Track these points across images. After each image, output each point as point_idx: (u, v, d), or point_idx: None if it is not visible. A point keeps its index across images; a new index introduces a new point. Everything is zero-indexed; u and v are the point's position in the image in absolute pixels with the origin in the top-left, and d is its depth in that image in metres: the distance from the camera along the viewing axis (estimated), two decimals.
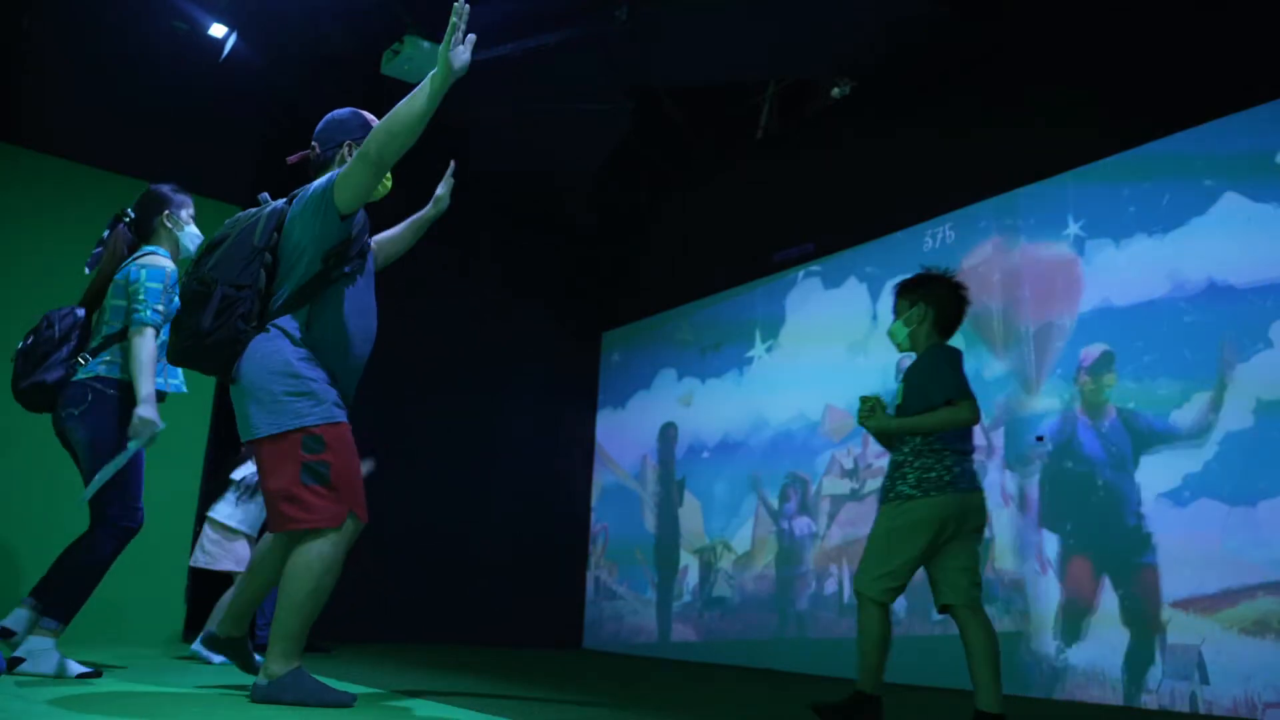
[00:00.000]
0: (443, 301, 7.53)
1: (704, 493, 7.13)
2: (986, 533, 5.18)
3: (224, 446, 3.63)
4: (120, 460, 3.14)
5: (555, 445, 8.26)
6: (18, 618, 3.15)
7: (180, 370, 3.45)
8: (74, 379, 3.23)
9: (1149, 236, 4.77)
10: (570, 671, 5.24)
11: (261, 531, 4.53)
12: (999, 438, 5.25)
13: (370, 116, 3.03)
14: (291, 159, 3.01)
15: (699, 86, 7.24)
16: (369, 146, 2.63)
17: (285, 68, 6.29)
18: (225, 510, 4.76)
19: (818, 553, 6.14)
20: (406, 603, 6.89)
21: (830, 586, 5.98)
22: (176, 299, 3.29)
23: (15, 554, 5.21)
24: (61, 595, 3.09)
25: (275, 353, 2.67)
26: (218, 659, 4.20)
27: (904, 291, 3.11)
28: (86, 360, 3.25)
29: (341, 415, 2.74)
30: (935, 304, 3.02)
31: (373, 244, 3.10)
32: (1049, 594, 4.82)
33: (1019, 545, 5.02)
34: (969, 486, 2.83)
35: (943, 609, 2.85)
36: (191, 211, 3.55)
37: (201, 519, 5.95)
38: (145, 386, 3.15)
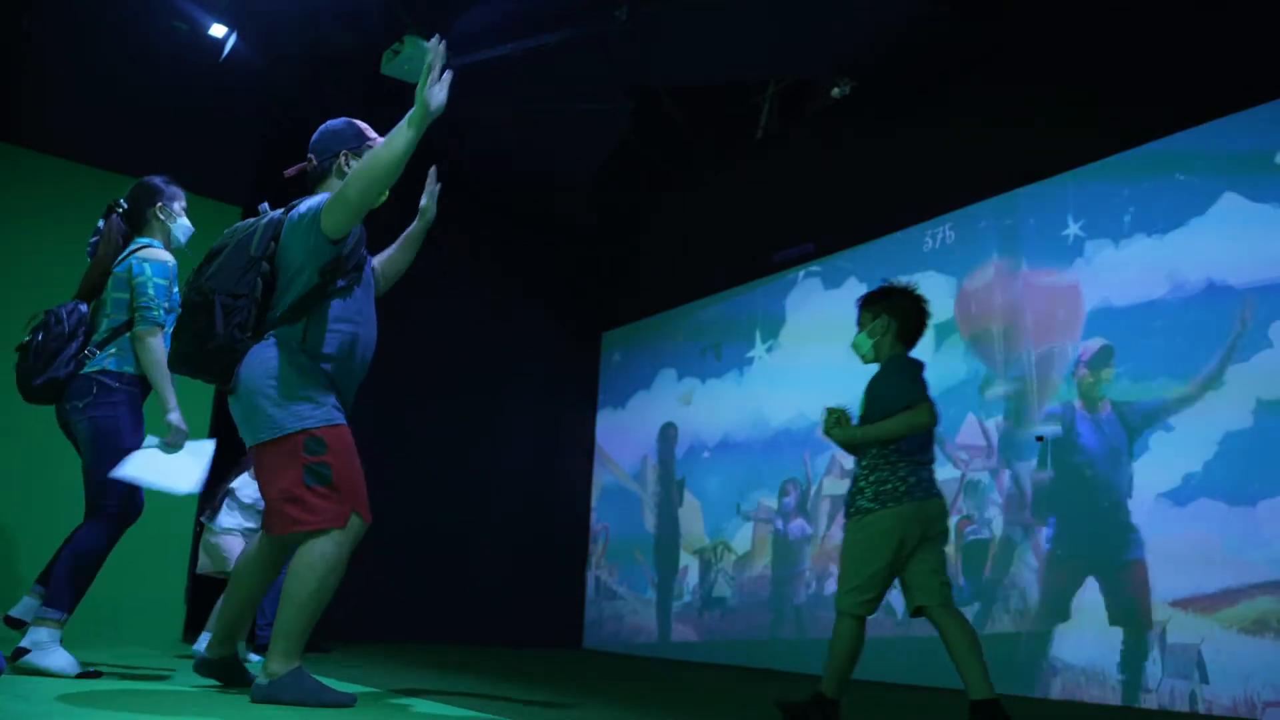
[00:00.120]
0: (443, 302, 7.53)
1: (704, 493, 7.13)
2: (986, 533, 5.19)
3: (223, 451, 3.62)
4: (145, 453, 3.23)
5: (555, 445, 8.26)
6: (26, 607, 3.20)
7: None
8: (81, 372, 3.26)
9: (1148, 236, 4.77)
10: (570, 671, 5.24)
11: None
12: (999, 438, 5.26)
13: (364, 126, 3.05)
14: (289, 172, 3.04)
15: (699, 86, 7.24)
16: (349, 190, 2.67)
17: (285, 68, 6.29)
18: (226, 521, 4.74)
19: (817, 553, 6.14)
20: (406, 603, 6.89)
21: (830, 586, 5.98)
22: (178, 291, 3.35)
23: (16, 545, 5.22)
24: (62, 585, 3.12)
25: (274, 359, 2.70)
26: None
27: (867, 304, 3.19)
28: (94, 354, 3.28)
29: (341, 418, 2.76)
30: (898, 316, 3.10)
31: (374, 264, 3.12)
32: (1048, 593, 4.82)
33: (1019, 545, 5.02)
34: (925, 494, 2.90)
35: (916, 612, 2.93)
36: (183, 204, 3.58)
37: (199, 523, 5.96)
38: (167, 391, 3.25)
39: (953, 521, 5.36)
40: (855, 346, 3.17)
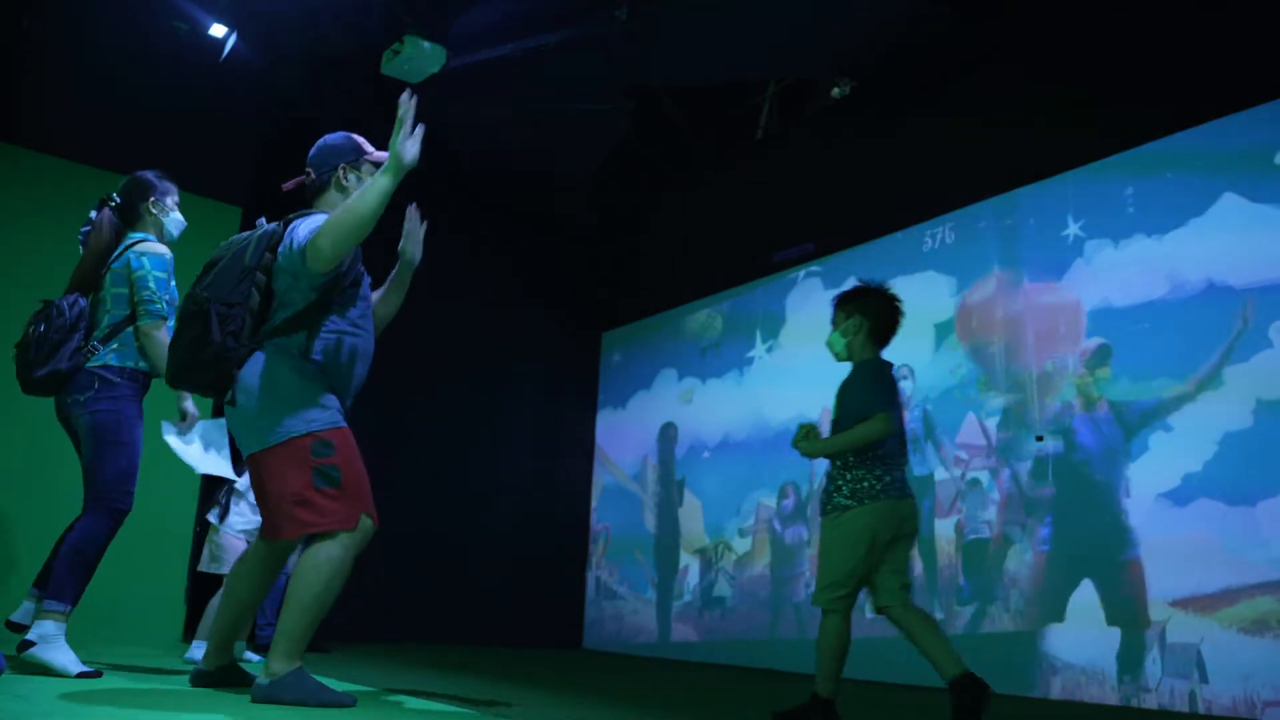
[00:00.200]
0: (443, 301, 7.52)
1: (704, 493, 7.13)
2: (986, 532, 5.19)
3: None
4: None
5: (555, 445, 8.26)
6: (26, 611, 3.21)
7: None
8: (85, 366, 3.29)
9: (1148, 237, 4.77)
10: (570, 671, 5.24)
11: None
12: (998, 438, 5.26)
13: (362, 140, 3.06)
14: (287, 186, 3.05)
15: (699, 86, 7.24)
16: (322, 241, 2.67)
17: (285, 68, 6.29)
18: (237, 522, 4.72)
19: (817, 553, 6.13)
20: (406, 603, 6.89)
21: None
22: (174, 285, 3.40)
23: (14, 540, 5.22)
24: (64, 577, 3.14)
25: (276, 366, 2.72)
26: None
27: (841, 304, 3.26)
28: (96, 349, 3.30)
29: (344, 421, 2.79)
30: (871, 316, 3.16)
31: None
32: (1048, 593, 4.82)
33: (1018, 544, 5.02)
34: (899, 494, 2.97)
35: (879, 610, 3.01)
36: (175, 198, 3.62)
37: (201, 522, 5.95)
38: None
39: (953, 521, 5.37)
40: (829, 345, 3.27)
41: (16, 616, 3.23)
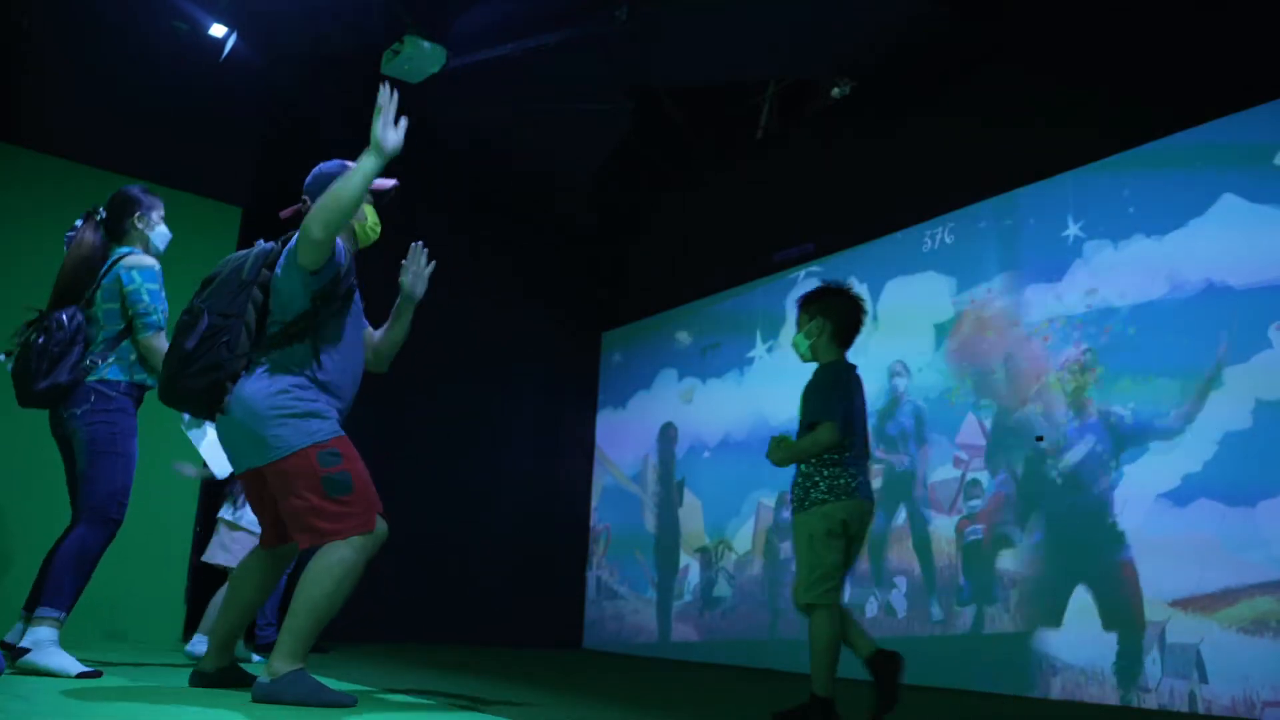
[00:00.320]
0: (443, 301, 7.48)
1: (704, 492, 7.13)
2: (988, 533, 5.19)
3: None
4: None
5: (555, 445, 8.26)
6: (19, 632, 3.20)
7: None
8: (85, 380, 3.32)
9: (1148, 237, 4.77)
10: (570, 671, 5.24)
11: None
12: (998, 438, 5.26)
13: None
14: (284, 214, 3.07)
15: (699, 86, 7.24)
16: (311, 227, 2.73)
17: (285, 68, 6.29)
18: (250, 517, 4.71)
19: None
20: (406, 603, 6.89)
21: None
22: (164, 296, 3.45)
23: (8, 555, 5.22)
24: (59, 585, 3.15)
25: (274, 381, 2.73)
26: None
27: (804, 305, 3.30)
28: (95, 364, 3.34)
29: (342, 430, 2.80)
30: (833, 317, 3.22)
31: (370, 336, 3.19)
32: (1047, 593, 4.82)
33: (1018, 545, 5.02)
34: (866, 495, 3.07)
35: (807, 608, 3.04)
36: (161, 213, 3.65)
37: (201, 521, 5.95)
38: None
39: (953, 521, 5.37)
40: (794, 347, 3.31)
41: (10, 638, 3.23)
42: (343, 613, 2.72)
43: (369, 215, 3.09)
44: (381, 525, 2.75)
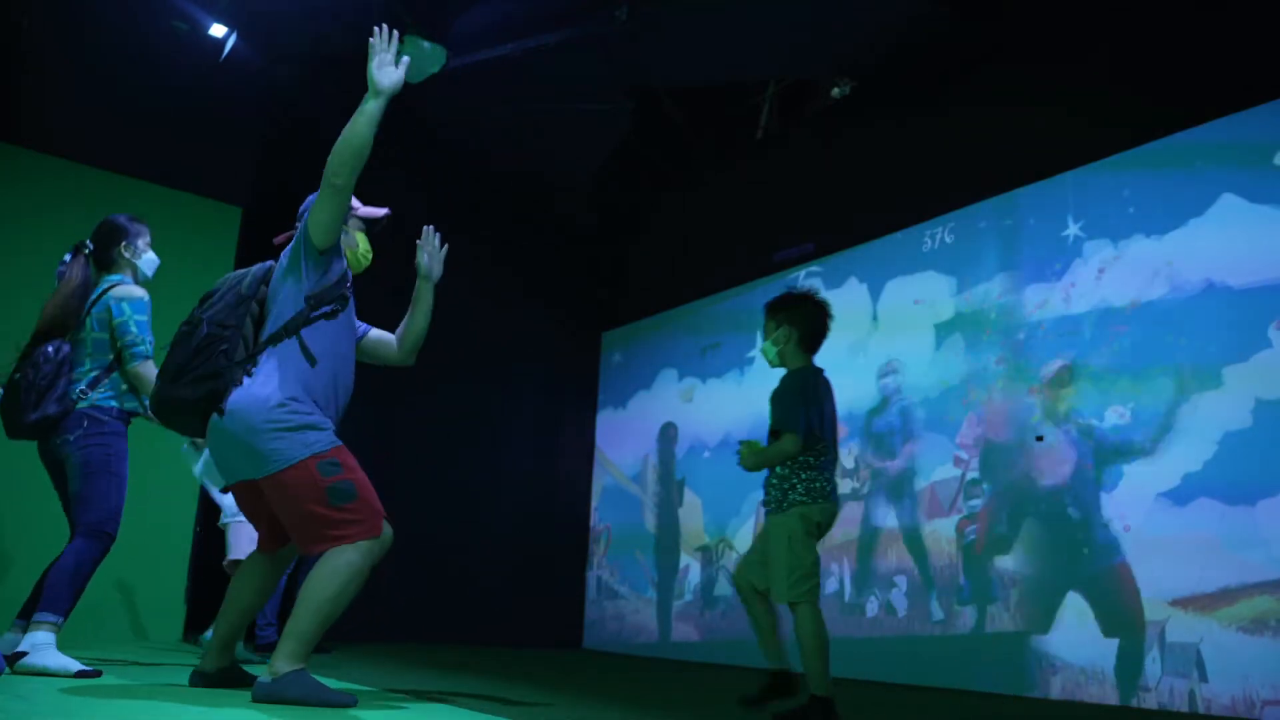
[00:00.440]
0: (443, 302, 7.47)
1: (705, 492, 7.13)
2: (988, 532, 5.19)
3: None
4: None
5: (555, 445, 8.26)
6: (9, 642, 3.30)
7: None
8: (75, 408, 3.42)
9: (1147, 237, 4.77)
10: (570, 671, 5.25)
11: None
12: (998, 438, 5.26)
13: (355, 200, 3.10)
14: (278, 240, 3.09)
15: (699, 86, 7.24)
16: (326, 175, 2.78)
17: (285, 68, 6.29)
18: None
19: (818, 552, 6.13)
20: (406, 603, 6.89)
21: (831, 585, 5.98)
22: (150, 327, 3.54)
23: (4, 563, 5.21)
24: (58, 591, 3.24)
25: (270, 394, 2.73)
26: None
27: (771, 312, 3.39)
28: (86, 393, 3.44)
29: (339, 441, 2.81)
30: (799, 325, 3.30)
31: (382, 335, 3.25)
32: (1047, 593, 4.82)
33: (1018, 544, 5.02)
34: (835, 500, 3.19)
35: (752, 589, 3.19)
36: (148, 239, 3.72)
37: (201, 521, 5.94)
38: None
39: (953, 521, 5.37)
40: (763, 353, 3.41)
41: (2, 648, 3.27)
42: (345, 613, 2.73)
43: (361, 242, 3.13)
44: (387, 530, 2.77)
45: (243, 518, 4.63)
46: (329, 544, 2.68)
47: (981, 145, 5.60)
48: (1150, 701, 4.31)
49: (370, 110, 2.80)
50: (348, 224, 3.06)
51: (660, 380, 7.83)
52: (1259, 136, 4.41)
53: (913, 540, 5.56)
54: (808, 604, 3.00)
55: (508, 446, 7.88)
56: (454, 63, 5.88)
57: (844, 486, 6.08)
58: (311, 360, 2.81)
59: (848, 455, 6.08)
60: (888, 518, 5.74)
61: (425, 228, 3.35)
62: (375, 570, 2.74)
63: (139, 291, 3.56)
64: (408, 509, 6.95)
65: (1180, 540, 4.34)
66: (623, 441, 8.09)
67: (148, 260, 3.70)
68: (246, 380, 2.75)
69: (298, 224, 3.00)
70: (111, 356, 3.47)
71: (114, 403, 3.47)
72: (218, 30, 5.94)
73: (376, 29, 2.85)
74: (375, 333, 3.28)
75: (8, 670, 2.97)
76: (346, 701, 2.62)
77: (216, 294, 2.92)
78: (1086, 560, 4.70)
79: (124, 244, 3.62)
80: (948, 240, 5.78)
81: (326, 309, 2.88)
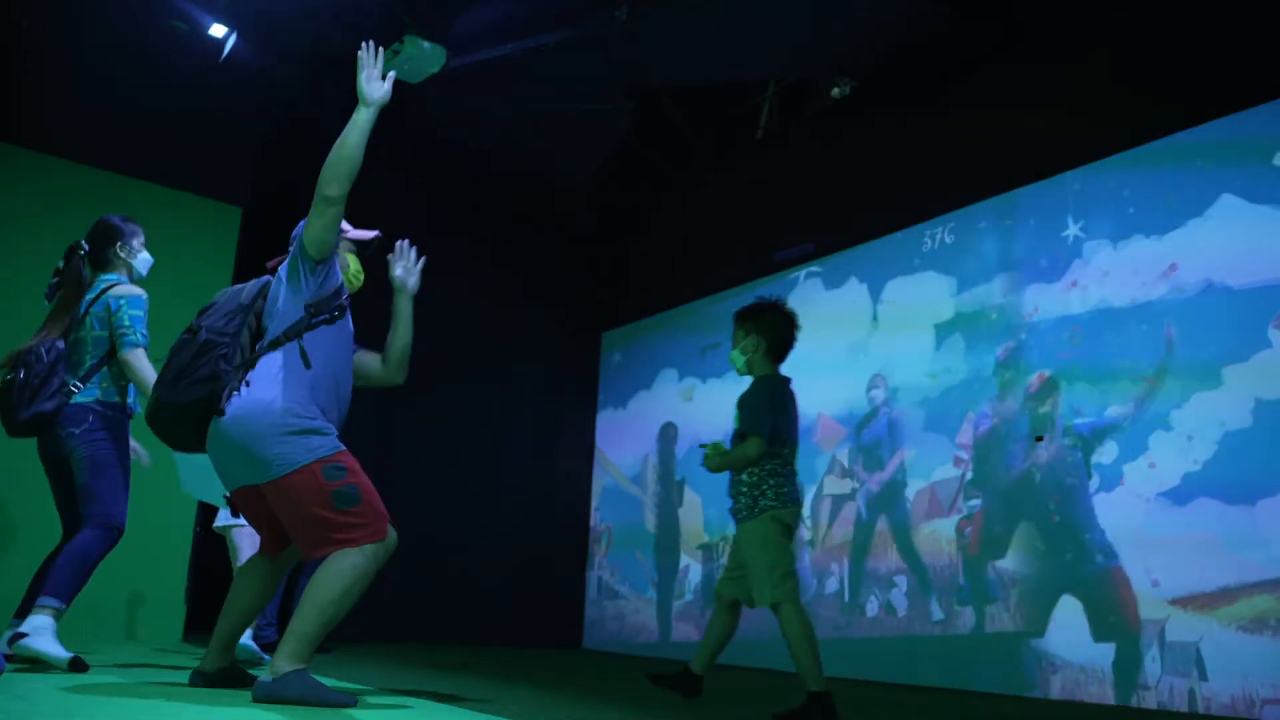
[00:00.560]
0: (442, 301, 7.49)
1: (705, 491, 7.13)
2: (987, 532, 5.19)
3: None
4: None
5: (555, 445, 8.26)
6: (6, 640, 3.29)
7: None
8: (71, 403, 3.51)
9: (1147, 237, 4.77)
10: (570, 671, 5.25)
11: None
12: (998, 438, 5.26)
13: (345, 223, 3.12)
14: (271, 264, 3.11)
15: (699, 86, 7.24)
16: (319, 187, 2.80)
17: (285, 68, 6.29)
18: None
19: (819, 552, 6.15)
20: (406, 603, 6.89)
21: (832, 585, 5.98)
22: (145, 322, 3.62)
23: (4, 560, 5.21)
24: (62, 578, 3.33)
25: (275, 399, 2.73)
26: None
27: (740, 320, 3.45)
28: (79, 388, 3.52)
29: (342, 445, 2.82)
30: (767, 334, 3.37)
31: (369, 355, 3.25)
32: (1047, 593, 4.82)
33: (1018, 544, 5.02)
34: (800, 502, 3.31)
35: (733, 603, 3.30)
36: (142, 239, 3.80)
37: (201, 521, 5.94)
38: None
39: (952, 521, 5.37)
40: (731, 361, 3.48)
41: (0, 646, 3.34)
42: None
43: (352, 263, 3.14)
44: (392, 534, 2.78)
45: (242, 521, 4.64)
46: (333, 547, 2.68)
47: (981, 145, 5.60)
48: (1150, 701, 4.31)
49: (361, 121, 2.82)
50: (339, 246, 3.06)
51: (660, 380, 7.83)
52: (1259, 136, 4.41)
53: (913, 540, 5.56)
54: (790, 603, 3.06)
55: (508, 446, 7.88)
56: (454, 63, 5.88)
57: (844, 487, 6.08)
58: (310, 365, 2.81)
59: (848, 455, 6.08)
60: (888, 518, 5.74)
61: (399, 242, 3.34)
62: (377, 573, 2.74)
63: (137, 290, 3.64)
64: (408, 509, 6.95)
65: (1180, 540, 4.35)
66: (623, 441, 8.09)
67: (143, 260, 3.78)
68: (245, 388, 2.75)
69: (291, 246, 3.01)
70: (107, 350, 3.56)
71: (114, 397, 3.57)
72: (218, 30, 5.94)
73: (364, 44, 2.88)
74: (362, 353, 3.27)
75: (7, 669, 2.97)
76: (346, 701, 2.62)
77: (216, 304, 2.96)
78: (1086, 560, 4.70)
79: (119, 244, 3.70)
80: (948, 240, 5.78)
81: (326, 315, 2.89)
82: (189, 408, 2.80)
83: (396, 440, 7.02)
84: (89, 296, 3.61)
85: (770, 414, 3.26)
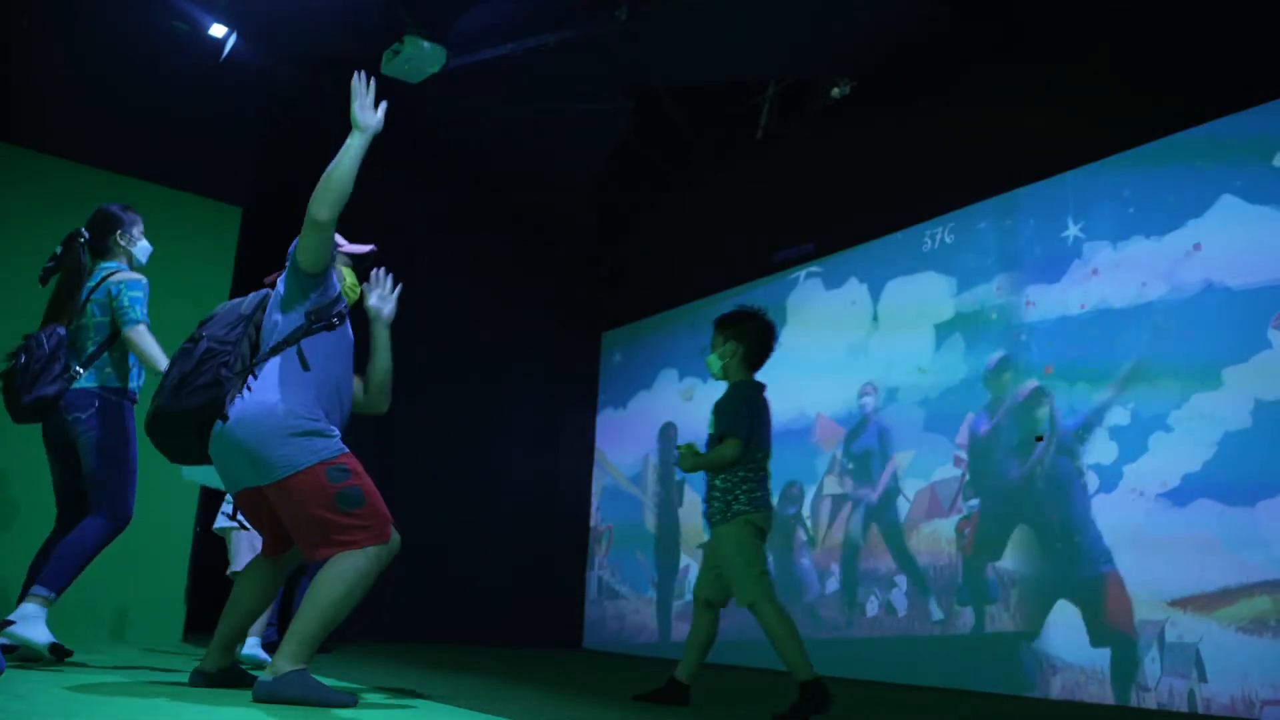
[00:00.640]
0: (443, 302, 7.53)
1: (705, 492, 7.12)
2: (987, 532, 5.19)
3: None
4: None
5: (556, 445, 8.26)
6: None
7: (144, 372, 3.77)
8: (75, 387, 3.56)
9: (1147, 238, 4.77)
10: (570, 671, 5.25)
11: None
12: (998, 438, 5.26)
13: (340, 239, 3.13)
14: (269, 279, 3.13)
15: (699, 86, 7.24)
16: (309, 209, 2.81)
17: (285, 68, 6.29)
18: None
19: (820, 552, 6.15)
20: (406, 603, 6.89)
21: (832, 585, 5.98)
22: (145, 303, 3.67)
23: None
24: (58, 568, 3.38)
25: (279, 402, 2.74)
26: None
27: (720, 326, 3.53)
28: (81, 372, 3.57)
29: (346, 447, 2.82)
30: (744, 342, 3.45)
31: (354, 385, 3.22)
32: (1047, 593, 4.82)
33: (1018, 545, 5.02)
34: (772, 505, 3.39)
35: (706, 603, 3.40)
36: (141, 228, 3.86)
37: (201, 521, 5.94)
38: (163, 363, 3.51)
39: (952, 521, 5.37)
40: (708, 365, 3.56)
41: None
42: None
43: (348, 276, 3.16)
44: (395, 537, 2.78)
45: (240, 524, 4.64)
46: (335, 549, 2.68)
47: (981, 145, 5.60)
48: (1150, 701, 4.31)
49: (355, 147, 2.83)
50: (334, 260, 3.07)
51: (660, 380, 7.83)
52: (1259, 136, 4.41)
53: (913, 540, 5.56)
54: (766, 601, 3.15)
55: (508, 447, 7.88)
56: (454, 63, 5.88)
57: (843, 486, 6.08)
58: (310, 368, 2.81)
59: (848, 455, 6.08)
60: (888, 518, 5.74)
61: (374, 271, 3.34)
62: (380, 575, 2.75)
63: (138, 276, 3.71)
64: (408, 509, 6.95)
65: (1180, 540, 4.35)
66: (623, 441, 8.09)
67: (142, 248, 3.83)
68: (248, 391, 2.76)
69: (287, 262, 3.01)
70: (109, 335, 3.62)
71: (118, 382, 3.62)
72: (218, 30, 5.93)
73: (356, 74, 2.89)
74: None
75: (8, 669, 2.97)
76: (346, 701, 2.63)
77: (216, 315, 2.99)
78: (1085, 561, 4.70)
79: (120, 232, 3.76)
80: (948, 240, 5.78)
81: (325, 323, 2.90)
82: (191, 414, 2.82)
83: (396, 440, 7.02)
84: (89, 284, 3.66)
85: (749, 419, 3.33)
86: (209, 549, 5.60)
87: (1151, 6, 4.88)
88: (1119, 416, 4.71)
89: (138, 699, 2.60)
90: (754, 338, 3.45)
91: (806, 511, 6.29)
